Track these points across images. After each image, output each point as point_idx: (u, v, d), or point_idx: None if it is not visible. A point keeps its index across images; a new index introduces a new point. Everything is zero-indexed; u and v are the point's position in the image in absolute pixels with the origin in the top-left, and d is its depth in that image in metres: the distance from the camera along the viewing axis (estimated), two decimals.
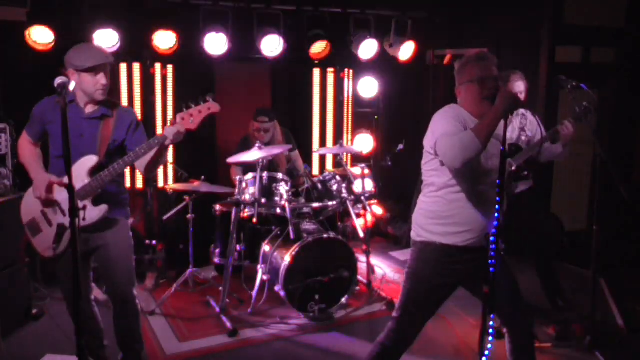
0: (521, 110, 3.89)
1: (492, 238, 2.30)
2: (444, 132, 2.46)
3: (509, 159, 3.48)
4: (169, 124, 2.80)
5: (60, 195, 2.85)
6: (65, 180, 2.72)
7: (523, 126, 3.83)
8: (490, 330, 2.44)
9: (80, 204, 2.70)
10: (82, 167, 2.82)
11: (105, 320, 3.21)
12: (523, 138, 3.80)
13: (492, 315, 2.37)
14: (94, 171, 2.82)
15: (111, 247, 2.96)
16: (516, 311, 2.66)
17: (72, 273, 2.81)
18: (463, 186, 2.54)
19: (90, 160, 2.83)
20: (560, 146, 3.58)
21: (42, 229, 2.93)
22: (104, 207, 2.85)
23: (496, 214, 2.29)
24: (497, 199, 2.25)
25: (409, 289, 2.69)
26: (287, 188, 4.30)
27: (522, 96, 3.75)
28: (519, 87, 3.77)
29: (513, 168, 3.55)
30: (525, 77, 3.86)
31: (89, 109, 2.90)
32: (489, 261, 2.30)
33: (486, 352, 2.40)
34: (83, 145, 2.84)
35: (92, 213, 2.83)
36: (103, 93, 2.86)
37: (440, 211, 2.59)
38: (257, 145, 4.32)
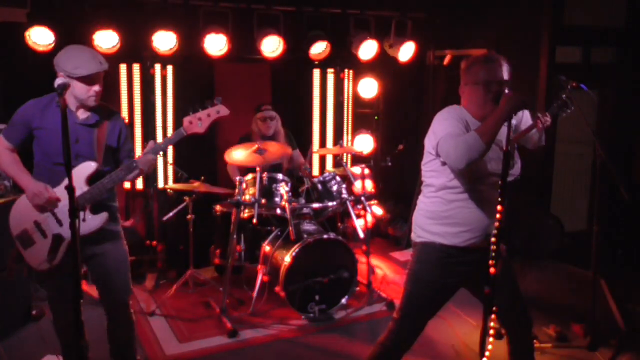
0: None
1: (492, 238, 2.29)
2: (447, 133, 2.45)
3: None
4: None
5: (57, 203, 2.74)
6: (58, 194, 2.69)
7: None
8: (491, 331, 2.43)
9: (80, 214, 2.60)
10: (81, 174, 2.71)
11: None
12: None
13: (492, 316, 2.36)
14: (91, 178, 2.73)
15: (108, 257, 2.86)
16: (516, 312, 2.65)
17: (63, 284, 2.77)
18: (463, 187, 2.54)
19: (89, 166, 2.74)
20: (537, 133, 3.63)
21: (35, 240, 2.78)
22: (104, 215, 2.76)
23: (497, 215, 2.28)
24: (500, 199, 2.24)
25: (409, 290, 2.68)
26: (287, 188, 4.30)
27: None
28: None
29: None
30: (526, 77, 3.85)
31: (82, 114, 2.78)
32: (490, 261, 2.29)
33: (486, 353, 2.39)
34: (79, 151, 2.73)
35: (93, 222, 2.74)
36: (96, 100, 2.74)
37: (440, 211, 2.59)
38: (257, 145, 4.31)
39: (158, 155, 2.84)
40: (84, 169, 2.73)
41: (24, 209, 2.79)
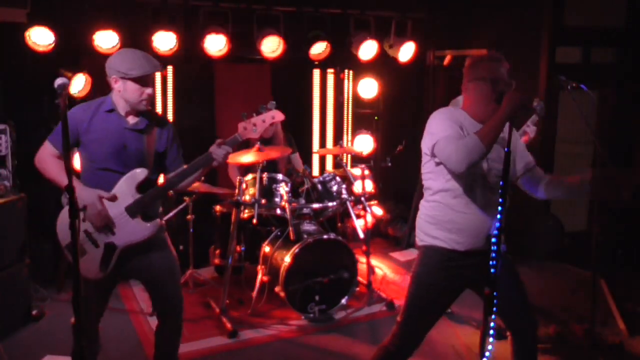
0: None
1: (493, 239, 2.28)
2: (445, 135, 2.43)
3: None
4: (216, 141, 2.66)
5: (109, 211, 2.65)
6: (112, 194, 2.62)
7: None
8: (492, 332, 2.42)
9: (131, 221, 2.61)
10: (131, 181, 2.65)
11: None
12: None
13: (493, 317, 2.35)
14: (141, 185, 2.66)
15: (157, 265, 2.78)
16: (522, 314, 2.62)
17: (101, 294, 2.77)
18: (461, 189, 2.52)
19: (141, 173, 2.67)
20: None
21: (86, 250, 2.69)
22: (157, 222, 2.70)
23: (498, 216, 2.26)
24: (501, 200, 2.23)
25: (413, 293, 2.65)
26: (287, 189, 4.30)
27: None
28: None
29: None
30: (526, 77, 3.87)
31: (131, 119, 2.71)
32: (490, 262, 2.28)
33: (487, 354, 2.39)
34: (128, 158, 2.67)
35: (146, 229, 2.68)
36: (147, 104, 2.69)
37: (439, 215, 2.57)
38: (257, 145, 4.31)
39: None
40: (135, 176, 2.67)
41: None
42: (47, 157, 2.70)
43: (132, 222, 2.66)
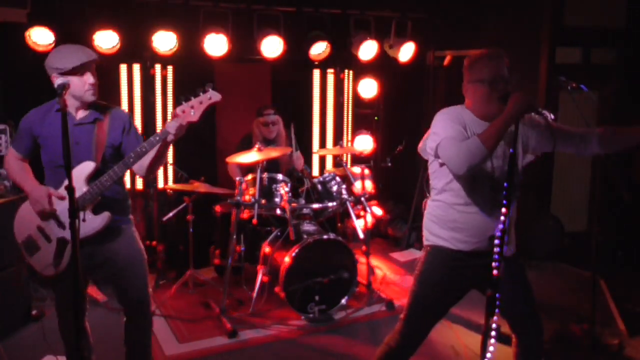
0: None
1: (496, 240, 2.26)
2: (447, 136, 2.42)
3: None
4: (169, 120, 2.66)
5: (58, 206, 2.70)
6: (62, 192, 2.66)
7: None
8: (493, 333, 2.42)
9: (80, 215, 2.59)
10: (79, 175, 2.67)
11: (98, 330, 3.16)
12: None
13: (494, 317, 2.35)
14: (91, 178, 2.69)
15: (119, 258, 2.81)
16: (528, 318, 2.60)
17: (70, 287, 2.76)
18: (465, 188, 2.51)
19: (87, 166, 2.70)
20: None
21: (40, 246, 2.77)
22: (106, 215, 2.71)
23: (502, 217, 2.24)
24: (504, 202, 2.21)
25: (416, 291, 2.64)
26: (287, 189, 4.30)
27: None
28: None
29: None
30: (526, 77, 3.86)
31: (80, 114, 2.75)
32: (493, 264, 2.27)
33: (488, 354, 2.38)
34: (80, 153, 2.70)
35: (95, 222, 2.70)
36: (93, 93, 2.71)
37: (444, 215, 2.57)
38: (257, 145, 4.32)
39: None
40: (83, 169, 2.69)
41: (27, 215, 2.78)
42: (11, 160, 2.86)
43: (80, 216, 2.63)
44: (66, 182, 2.53)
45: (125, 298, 2.90)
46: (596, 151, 2.52)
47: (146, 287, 2.91)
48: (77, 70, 2.62)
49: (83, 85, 2.66)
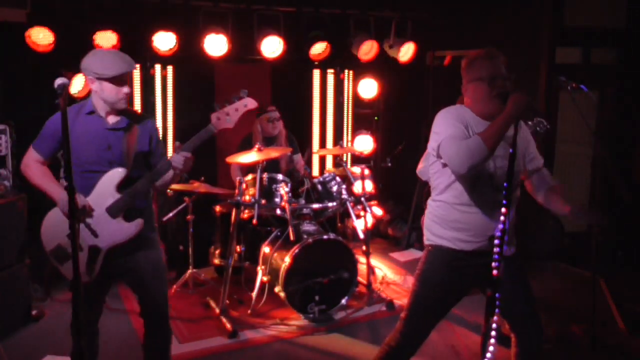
0: None
1: (496, 241, 2.26)
2: (448, 135, 2.42)
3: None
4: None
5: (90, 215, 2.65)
6: (91, 201, 2.62)
7: None
8: (493, 333, 2.42)
9: (113, 221, 2.59)
10: (110, 181, 2.64)
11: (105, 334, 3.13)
12: None
13: (494, 318, 2.34)
14: (121, 185, 2.65)
15: (146, 268, 2.75)
16: (528, 319, 2.60)
17: (94, 298, 2.74)
18: (466, 188, 2.51)
19: (118, 173, 2.66)
20: None
21: (71, 254, 2.64)
22: (139, 222, 2.66)
23: (502, 217, 2.24)
24: (504, 202, 2.21)
25: (417, 290, 2.64)
26: (287, 189, 4.29)
27: None
28: None
29: None
30: (526, 78, 3.86)
31: (112, 119, 2.71)
32: (493, 264, 2.26)
33: (488, 355, 2.38)
34: (113, 157, 2.67)
35: (129, 229, 2.66)
36: (125, 102, 2.68)
37: (445, 215, 2.57)
38: (257, 146, 4.32)
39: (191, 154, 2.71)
40: (113, 176, 2.66)
41: (56, 222, 2.70)
42: (31, 163, 2.73)
43: (113, 223, 2.64)
44: (96, 190, 2.54)
45: (146, 309, 2.83)
46: (539, 200, 2.69)
47: (165, 295, 2.84)
48: (116, 79, 2.60)
49: (117, 93, 2.63)
